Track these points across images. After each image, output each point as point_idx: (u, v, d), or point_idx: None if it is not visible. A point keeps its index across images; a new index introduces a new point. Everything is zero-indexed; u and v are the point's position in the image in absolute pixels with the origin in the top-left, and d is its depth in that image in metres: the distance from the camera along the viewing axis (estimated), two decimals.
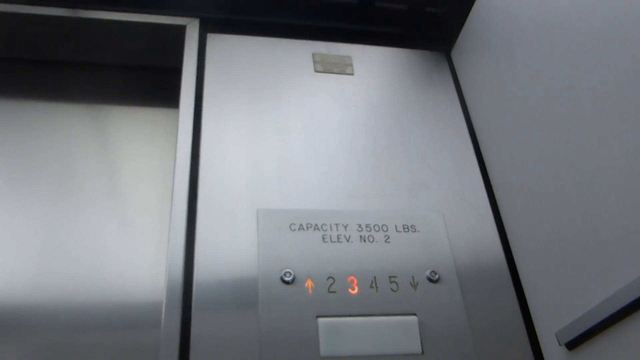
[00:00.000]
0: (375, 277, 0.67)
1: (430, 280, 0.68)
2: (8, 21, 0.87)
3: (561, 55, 0.66)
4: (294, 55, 0.90)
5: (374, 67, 0.91)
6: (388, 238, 0.71)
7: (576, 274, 0.61)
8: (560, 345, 0.63)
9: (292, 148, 0.78)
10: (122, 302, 0.74)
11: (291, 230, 0.70)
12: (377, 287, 0.67)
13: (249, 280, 0.65)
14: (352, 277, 0.67)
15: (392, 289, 0.67)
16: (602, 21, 0.59)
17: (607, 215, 0.57)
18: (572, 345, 0.61)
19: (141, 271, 0.77)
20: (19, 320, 0.71)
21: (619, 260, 0.55)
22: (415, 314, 0.65)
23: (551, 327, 0.65)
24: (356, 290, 0.66)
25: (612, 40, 0.58)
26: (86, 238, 0.79)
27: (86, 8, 0.87)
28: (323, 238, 0.70)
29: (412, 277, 0.68)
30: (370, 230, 0.71)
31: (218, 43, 0.89)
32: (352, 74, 0.89)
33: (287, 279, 0.65)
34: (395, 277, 0.68)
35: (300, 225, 0.70)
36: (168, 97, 0.92)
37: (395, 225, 0.72)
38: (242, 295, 0.64)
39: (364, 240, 0.70)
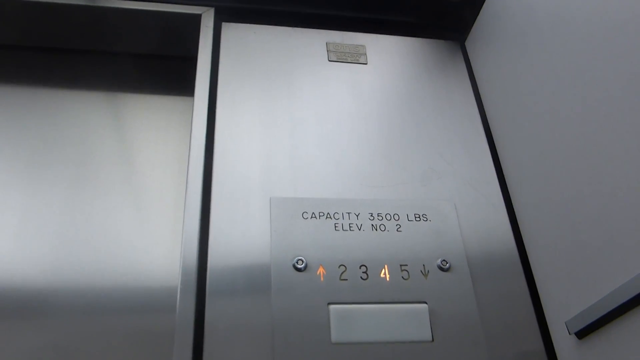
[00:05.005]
0: (386, 265, 0.68)
1: (441, 268, 0.69)
2: (25, 10, 0.89)
3: (576, 46, 0.65)
4: (308, 44, 0.90)
5: (387, 56, 0.91)
6: (399, 227, 0.72)
7: (587, 263, 0.61)
8: (570, 334, 0.63)
9: (305, 137, 0.79)
10: (138, 287, 0.76)
11: (303, 218, 0.70)
12: (388, 275, 0.67)
13: (261, 267, 0.66)
14: (363, 265, 0.68)
15: (403, 277, 0.67)
16: (618, 13, 0.59)
17: (619, 206, 0.57)
18: (582, 334, 0.61)
19: (156, 257, 0.78)
20: (36, 304, 0.72)
21: (629, 250, 0.55)
22: (425, 302, 0.66)
23: (561, 316, 0.65)
24: (367, 278, 0.67)
25: (627, 33, 0.57)
26: (103, 224, 0.80)
27: None
28: (335, 226, 0.70)
29: (423, 265, 0.69)
30: (382, 219, 0.72)
31: (233, 32, 0.89)
32: (366, 63, 0.89)
33: (299, 266, 0.66)
34: (406, 265, 0.68)
35: (313, 213, 0.71)
36: (183, 85, 0.93)
37: (407, 214, 0.73)
38: (255, 282, 0.65)
39: (376, 229, 0.71)
